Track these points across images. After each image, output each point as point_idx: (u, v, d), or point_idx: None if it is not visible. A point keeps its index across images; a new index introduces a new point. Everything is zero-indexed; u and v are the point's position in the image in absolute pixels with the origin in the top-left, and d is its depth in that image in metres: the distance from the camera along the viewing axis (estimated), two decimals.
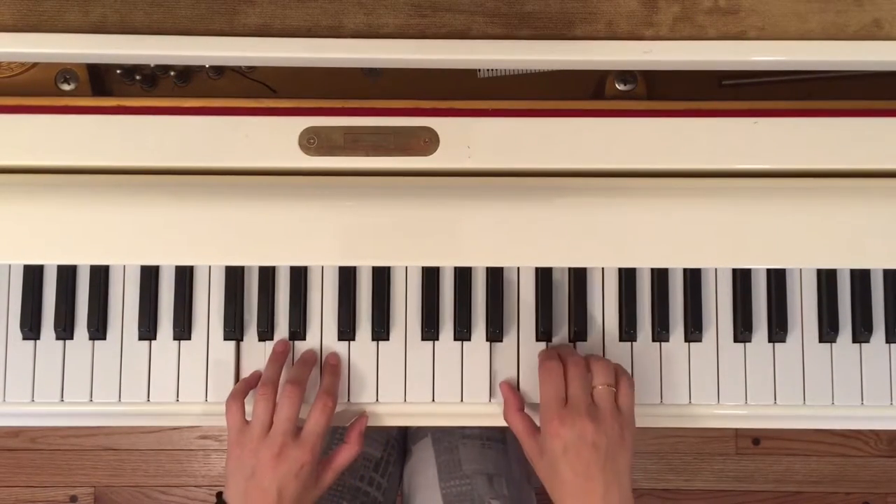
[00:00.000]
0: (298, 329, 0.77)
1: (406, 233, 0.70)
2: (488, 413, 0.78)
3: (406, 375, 0.77)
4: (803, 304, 0.78)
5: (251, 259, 0.73)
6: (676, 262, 0.75)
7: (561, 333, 0.78)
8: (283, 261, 0.76)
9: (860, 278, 0.78)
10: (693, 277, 0.78)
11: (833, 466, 1.57)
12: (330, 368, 0.76)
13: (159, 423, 0.79)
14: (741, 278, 0.78)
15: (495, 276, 0.78)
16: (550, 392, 0.70)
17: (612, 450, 0.67)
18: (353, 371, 0.77)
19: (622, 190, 0.70)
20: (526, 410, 0.75)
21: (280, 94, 0.75)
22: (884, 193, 0.70)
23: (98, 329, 0.77)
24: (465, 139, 0.69)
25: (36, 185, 0.70)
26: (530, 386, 0.77)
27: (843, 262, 0.74)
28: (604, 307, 0.78)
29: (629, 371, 0.78)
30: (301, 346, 0.78)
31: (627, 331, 0.78)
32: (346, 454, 0.75)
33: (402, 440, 1.01)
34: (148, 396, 0.77)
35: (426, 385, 0.77)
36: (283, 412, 0.71)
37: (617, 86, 0.73)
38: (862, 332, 0.78)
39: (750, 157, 0.70)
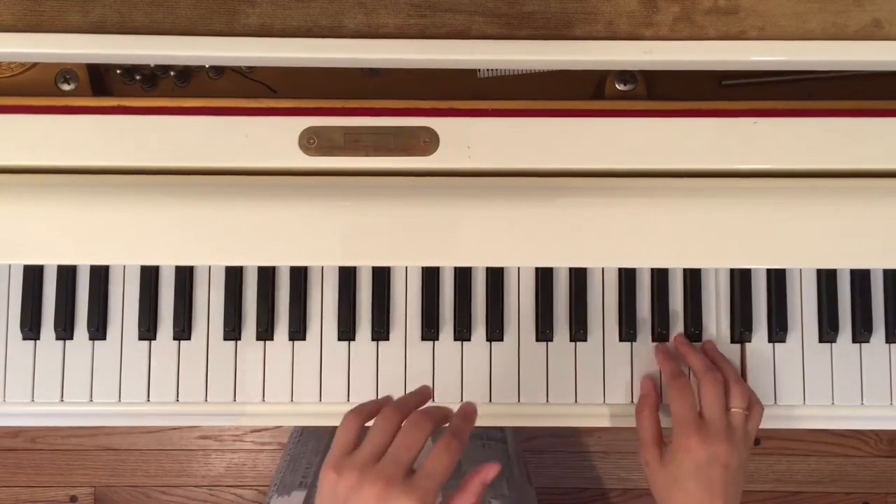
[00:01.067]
0: (298, 329, 0.77)
1: (406, 233, 0.70)
2: (488, 413, 0.78)
3: (406, 376, 0.77)
4: (803, 304, 0.78)
5: (251, 259, 0.73)
6: (676, 262, 0.75)
7: (561, 333, 0.78)
8: (283, 261, 0.76)
9: (860, 278, 0.78)
10: (693, 278, 0.78)
11: (833, 466, 1.57)
12: (464, 411, 0.63)
13: (159, 423, 0.79)
14: (741, 278, 0.78)
15: (495, 276, 0.78)
16: (685, 408, 0.70)
17: (738, 472, 0.69)
18: (353, 371, 0.77)
19: (622, 190, 0.70)
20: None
21: (280, 94, 0.75)
22: (884, 193, 0.70)
23: (98, 329, 0.77)
24: (465, 139, 0.69)
25: (36, 185, 0.70)
26: (530, 385, 0.77)
27: (843, 262, 0.74)
28: (604, 307, 0.78)
29: (629, 371, 0.78)
30: (301, 346, 0.78)
31: (627, 331, 0.78)
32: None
33: None
34: (148, 396, 0.77)
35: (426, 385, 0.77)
36: (406, 440, 0.56)
37: (617, 86, 0.73)
38: (862, 332, 0.78)
39: (750, 157, 0.70)
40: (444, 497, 0.58)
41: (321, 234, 0.70)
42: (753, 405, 0.73)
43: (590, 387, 0.77)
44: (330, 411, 0.78)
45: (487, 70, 0.76)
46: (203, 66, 0.75)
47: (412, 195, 0.70)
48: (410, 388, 0.77)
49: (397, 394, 0.77)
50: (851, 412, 0.78)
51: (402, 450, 0.56)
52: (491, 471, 0.60)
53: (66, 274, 0.77)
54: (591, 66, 0.65)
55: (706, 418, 0.70)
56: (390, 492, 0.53)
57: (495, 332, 0.77)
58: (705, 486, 0.68)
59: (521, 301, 0.78)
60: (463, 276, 0.78)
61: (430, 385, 0.77)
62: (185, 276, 0.78)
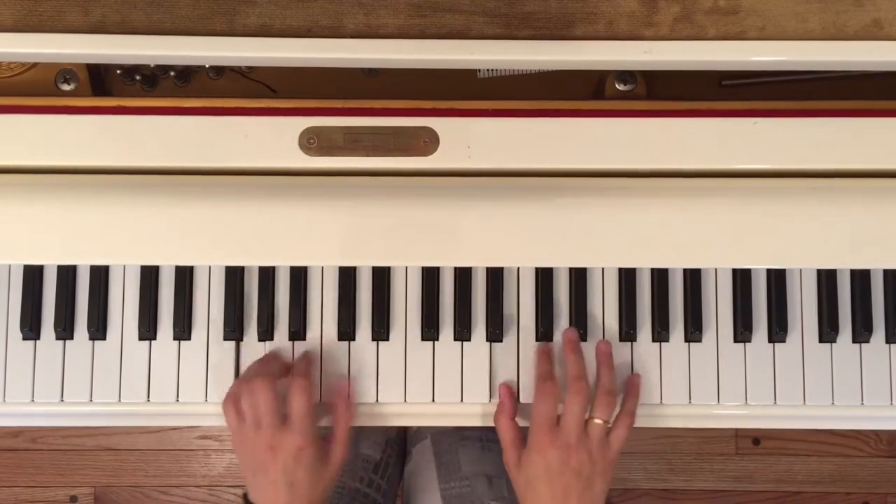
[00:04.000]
0: (298, 329, 0.77)
1: (406, 233, 0.70)
2: (488, 413, 0.78)
3: (406, 375, 0.77)
4: (803, 305, 0.78)
5: (251, 259, 0.73)
6: (676, 262, 0.75)
7: (560, 333, 0.78)
8: (283, 261, 0.76)
9: (860, 278, 0.78)
10: (693, 277, 0.78)
11: (833, 466, 1.57)
12: (304, 355, 0.77)
13: (159, 423, 0.79)
14: (741, 278, 0.78)
15: (495, 276, 0.78)
16: (544, 412, 0.71)
17: (592, 479, 0.70)
18: (354, 371, 0.77)
19: (622, 190, 0.70)
20: (518, 418, 0.75)
21: (280, 94, 0.75)
22: (884, 193, 0.70)
23: (98, 329, 0.77)
24: (465, 139, 0.69)
25: (36, 185, 0.70)
26: (531, 386, 0.77)
27: (843, 262, 0.74)
28: (604, 307, 0.78)
29: (629, 371, 0.78)
30: (301, 347, 0.78)
31: (627, 331, 0.78)
32: (343, 424, 0.74)
33: (401, 442, 1.01)
34: (148, 396, 0.77)
35: (426, 385, 0.77)
36: (261, 405, 0.71)
37: (617, 86, 0.73)
38: (862, 333, 0.78)
39: (750, 157, 0.70)
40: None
41: (321, 234, 0.70)
42: (621, 416, 0.73)
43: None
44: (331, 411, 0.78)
45: (487, 70, 0.76)
46: (203, 66, 0.75)
47: (412, 195, 0.70)
48: (410, 388, 0.77)
49: (398, 394, 0.77)
50: (851, 412, 0.78)
51: (265, 414, 0.71)
52: (344, 384, 0.76)
53: (66, 274, 0.77)
54: (591, 66, 0.65)
55: (562, 424, 0.71)
56: (277, 440, 0.70)
57: (495, 332, 0.77)
58: (556, 493, 0.69)
59: (521, 301, 0.78)
60: (463, 276, 0.78)
61: (432, 382, 0.77)
62: (185, 276, 0.78)
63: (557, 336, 0.78)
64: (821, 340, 0.78)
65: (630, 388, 0.76)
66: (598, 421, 0.72)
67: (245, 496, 0.74)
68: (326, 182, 0.71)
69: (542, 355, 0.76)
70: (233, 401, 0.73)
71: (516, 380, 0.77)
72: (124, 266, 0.78)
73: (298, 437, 0.70)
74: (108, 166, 0.70)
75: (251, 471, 0.71)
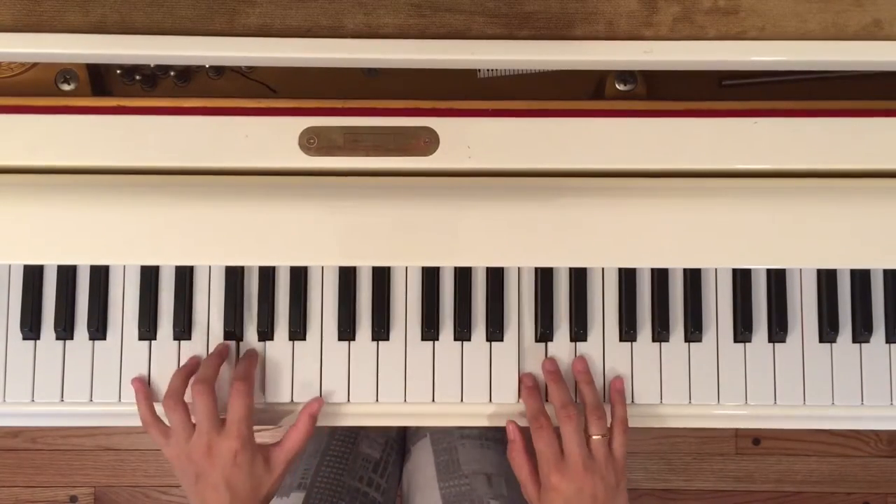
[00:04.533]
0: (298, 329, 0.77)
1: (406, 233, 0.70)
2: (488, 413, 0.78)
3: (406, 375, 0.77)
4: (803, 305, 0.78)
5: (251, 259, 0.73)
6: (676, 262, 0.75)
7: (561, 333, 0.78)
8: (283, 261, 0.76)
9: (860, 278, 0.78)
10: (693, 277, 0.78)
11: (833, 466, 1.57)
12: (245, 355, 0.77)
13: None
14: (741, 278, 0.78)
15: (495, 276, 0.78)
16: (545, 449, 0.72)
17: (609, 497, 0.71)
18: (353, 371, 0.77)
19: (622, 190, 0.70)
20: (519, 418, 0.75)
21: (280, 94, 0.75)
22: (884, 193, 0.70)
23: (98, 329, 0.77)
24: (465, 139, 0.69)
25: (36, 185, 0.70)
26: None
27: (843, 262, 0.74)
28: (604, 307, 0.78)
29: (629, 371, 0.78)
30: (301, 347, 0.78)
31: (627, 331, 0.78)
32: (294, 436, 0.74)
33: (401, 441, 1.01)
34: None
35: (426, 385, 0.77)
36: (199, 410, 0.71)
37: (617, 86, 0.73)
38: (862, 333, 0.78)
39: (750, 157, 0.70)
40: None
41: (321, 234, 0.70)
42: (615, 426, 0.74)
43: None
44: (330, 411, 0.78)
45: (487, 70, 0.76)
46: (203, 66, 0.75)
47: (412, 195, 0.70)
48: (410, 388, 0.77)
49: (398, 394, 0.77)
50: (851, 412, 0.78)
51: (202, 420, 0.71)
52: (314, 404, 0.75)
53: (66, 274, 0.77)
54: (591, 66, 0.65)
55: (566, 454, 0.71)
56: (213, 445, 0.70)
57: (495, 332, 0.77)
58: None
59: (521, 301, 0.78)
60: (463, 276, 0.78)
61: (432, 382, 0.77)
62: (185, 276, 0.78)
63: (558, 336, 0.78)
64: (821, 340, 0.78)
65: (614, 395, 0.76)
66: (596, 437, 0.72)
67: None
68: (326, 182, 0.71)
69: (527, 391, 0.76)
70: (157, 418, 0.75)
71: (516, 380, 0.77)
72: (124, 266, 0.78)
73: (235, 440, 0.70)
74: (108, 166, 0.70)
75: (188, 480, 0.72)
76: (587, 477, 0.70)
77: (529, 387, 0.76)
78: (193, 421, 0.72)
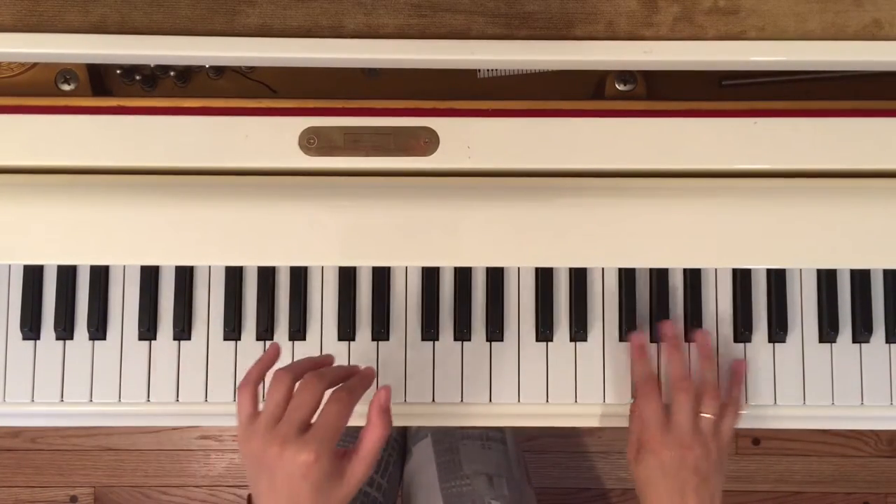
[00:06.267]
0: (298, 329, 0.77)
1: (406, 233, 0.70)
2: (489, 413, 0.78)
3: (406, 375, 0.77)
4: (803, 305, 0.78)
5: (251, 259, 0.73)
6: (676, 262, 0.75)
7: (561, 333, 0.78)
8: (283, 261, 0.76)
9: (860, 278, 0.78)
10: (693, 278, 0.78)
11: (833, 466, 1.57)
12: (363, 374, 0.67)
13: (159, 423, 0.79)
14: (741, 278, 0.78)
15: (495, 276, 0.78)
16: (649, 410, 0.72)
17: (708, 474, 0.70)
18: None
19: (622, 190, 0.70)
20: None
21: (280, 94, 0.75)
22: (884, 193, 0.70)
23: (98, 329, 0.77)
24: (465, 139, 0.69)
25: (36, 185, 0.70)
26: (530, 385, 0.77)
27: (843, 262, 0.74)
28: (604, 307, 0.78)
29: (628, 371, 0.78)
30: (301, 347, 0.78)
31: (628, 331, 0.78)
32: (371, 437, 0.63)
33: (402, 441, 1.01)
34: (148, 396, 0.77)
35: (426, 385, 0.77)
36: (297, 400, 0.61)
37: (617, 86, 0.73)
38: (862, 333, 0.78)
39: (750, 157, 0.70)
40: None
41: (321, 234, 0.70)
42: (727, 407, 0.74)
43: (589, 387, 0.77)
44: None
45: (487, 70, 0.76)
46: (203, 66, 0.75)
47: (412, 195, 0.70)
48: (411, 388, 0.77)
49: (398, 394, 0.77)
50: (851, 412, 0.78)
51: (293, 410, 0.61)
52: (382, 394, 0.64)
53: (66, 274, 0.77)
54: (591, 66, 0.65)
55: (674, 423, 0.71)
56: (287, 449, 0.60)
57: (495, 332, 0.77)
58: (676, 488, 0.69)
59: (521, 301, 0.78)
60: (463, 276, 0.78)
61: (432, 382, 0.77)
62: (185, 276, 0.78)
63: (558, 336, 0.78)
64: (821, 340, 0.78)
65: (734, 375, 0.76)
66: (707, 416, 0.72)
67: (249, 497, 0.73)
68: (326, 182, 0.71)
69: (638, 351, 0.76)
70: (253, 387, 0.65)
71: (517, 380, 0.77)
72: (124, 266, 0.78)
73: (311, 453, 0.59)
74: (108, 166, 0.70)
75: (254, 468, 0.62)
76: (690, 449, 0.69)
77: (639, 347, 0.76)
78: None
